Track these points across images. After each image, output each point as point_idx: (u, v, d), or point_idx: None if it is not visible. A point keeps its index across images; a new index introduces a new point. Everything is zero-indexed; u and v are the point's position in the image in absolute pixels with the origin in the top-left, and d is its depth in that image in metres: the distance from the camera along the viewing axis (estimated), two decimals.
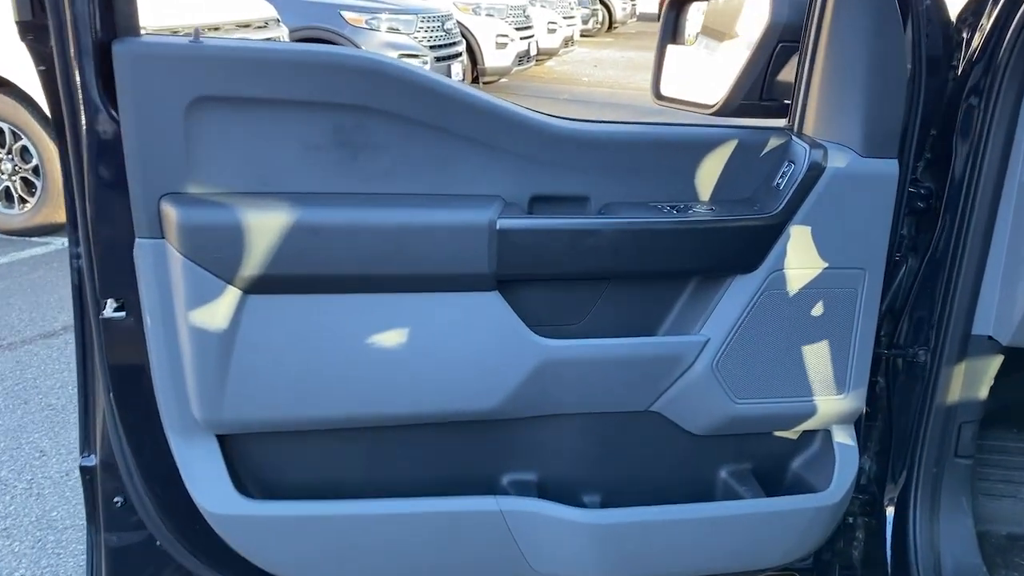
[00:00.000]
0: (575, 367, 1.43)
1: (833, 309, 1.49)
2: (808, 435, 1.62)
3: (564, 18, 12.52)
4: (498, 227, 1.35)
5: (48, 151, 4.68)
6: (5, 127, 4.72)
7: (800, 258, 1.45)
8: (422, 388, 1.41)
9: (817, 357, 1.51)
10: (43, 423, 2.97)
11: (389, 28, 7.87)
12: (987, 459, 1.77)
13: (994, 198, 1.55)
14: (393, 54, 7.40)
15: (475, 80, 9.76)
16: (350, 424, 1.42)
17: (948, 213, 1.61)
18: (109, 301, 1.35)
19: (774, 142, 1.49)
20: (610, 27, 19.93)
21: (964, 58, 1.56)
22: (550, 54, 12.00)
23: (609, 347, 1.44)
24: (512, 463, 1.56)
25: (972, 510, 1.69)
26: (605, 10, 19.23)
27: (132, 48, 1.24)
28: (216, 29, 5.18)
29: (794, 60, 1.53)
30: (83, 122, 1.27)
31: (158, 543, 1.49)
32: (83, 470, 1.47)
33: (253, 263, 1.31)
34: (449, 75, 8.00)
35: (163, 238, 1.30)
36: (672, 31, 1.80)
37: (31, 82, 4.47)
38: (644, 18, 24.76)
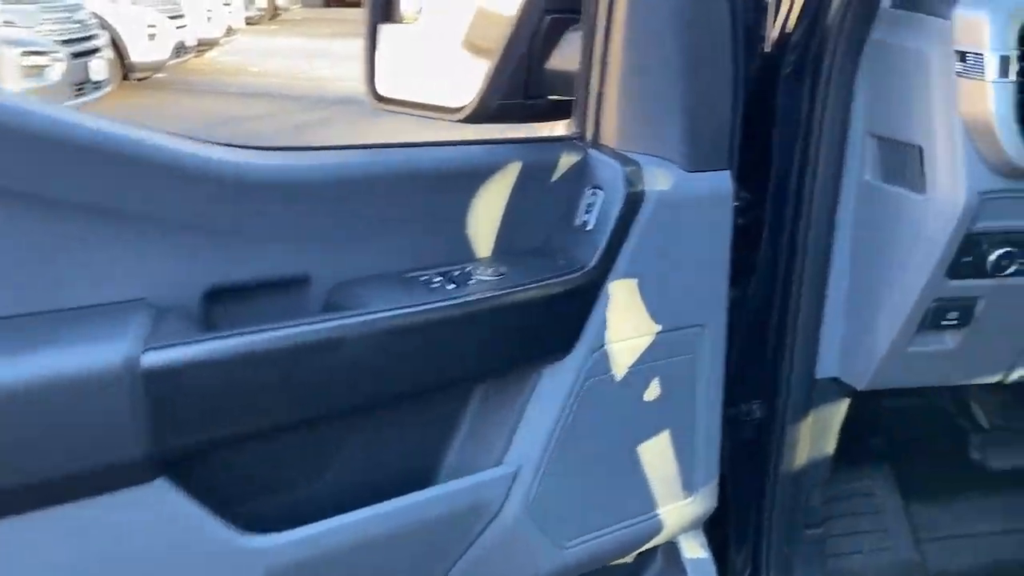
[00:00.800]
0: (313, 568, 0.86)
1: (671, 387, 1.06)
2: (648, 555, 1.19)
3: (223, 4, 11.36)
4: (144, 366, 0.73)
5: None
6: None
7: (627, 326, 1.00)
8: None
9: (658, 456, 1.08)
10: None
11: (4, 22, 6.46)
12: (830, 509, 1.48)
13: (828, 206, 1.21)
14: (14, 54, 6.07)
15: (125, 77, 8.46)
16: None
17: (772, 230, 1.24)
18: None
19: (567, 160, 1.02)
20: (275, 15, 18.79)
21: (779, 22, 1.20)
22: (211, 44, 10.84)
23: (365, 522, 0.88)
24: None
25: None
26: None
27: None
28: None
29: (573, 38, 1.06)
30: None
31: None
32: None
33: None
34: (87, 74, 6.74)
35: None
36: (383, 4, 1.26)
37: None
38: (308, 3, 23.79)
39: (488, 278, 0.93)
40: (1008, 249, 1.13)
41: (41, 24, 6.68)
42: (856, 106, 1.21)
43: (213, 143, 0.85)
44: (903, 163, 1.16)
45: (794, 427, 1.27)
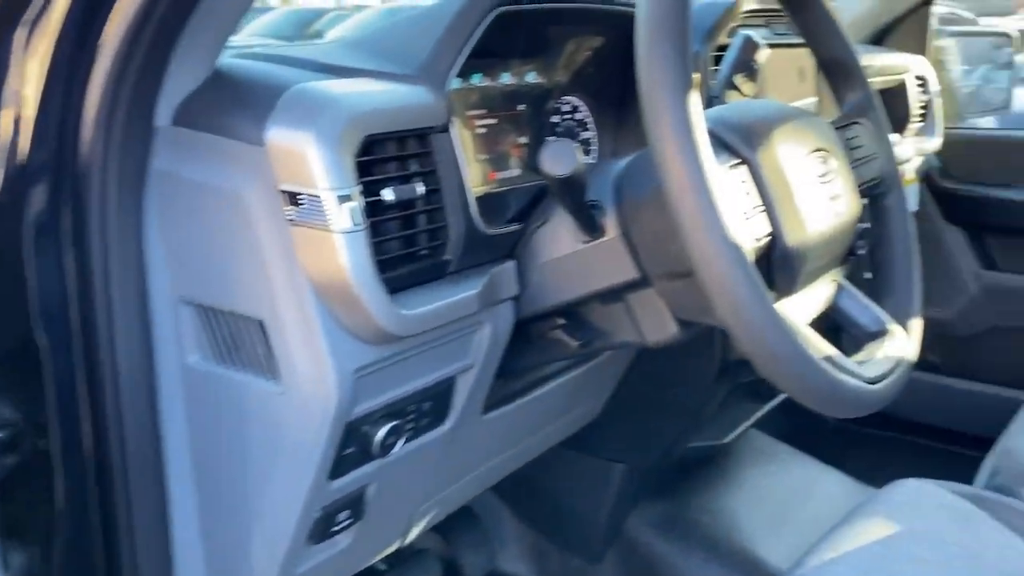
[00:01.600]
0: None
1: None
2: None
3: None
4: None
5: None
6: None
7: None
8: None
9: None
10: None
11: None
12: None
13: (145, 410, 0.82)
14: None
15: None
16: None
17: (67, 468, 0.80)
18: None
19: None
20: None
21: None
22: None
23: None
24: None
25: None
26: None
27: None
28: None
29: None
30: None
31: None
32: None
33: None
34: None
35: None
36: None
37: None
38: None
39: None
40: (394, 424, 0.87)
41: None
42: (155, 265, 0.82)
43: None
44: (241, 341, 0.82)
45: None
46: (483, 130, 0.99)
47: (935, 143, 1.85)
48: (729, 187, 0.74)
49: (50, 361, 0.80)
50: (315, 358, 0.78)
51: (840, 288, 0.92)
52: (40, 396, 0.80)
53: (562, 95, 1.11)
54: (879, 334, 0.89)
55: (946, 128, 1.89)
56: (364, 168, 0.77)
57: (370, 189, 0.77)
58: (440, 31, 0.87)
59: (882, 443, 2.05)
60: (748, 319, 0.69)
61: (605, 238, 0.86)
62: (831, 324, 0.92)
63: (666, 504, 1.63)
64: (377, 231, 0.77)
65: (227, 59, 0.86)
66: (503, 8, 0.89)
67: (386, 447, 0.87)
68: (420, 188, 0.80)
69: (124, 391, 0.82)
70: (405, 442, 0.90)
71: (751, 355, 0.71)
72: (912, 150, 1.78)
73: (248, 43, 3.31)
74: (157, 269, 0.82)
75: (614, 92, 1.14)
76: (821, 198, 0.82)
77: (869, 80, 1.53)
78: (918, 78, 1.83)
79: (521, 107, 1.05)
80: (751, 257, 0.70)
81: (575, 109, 1.14)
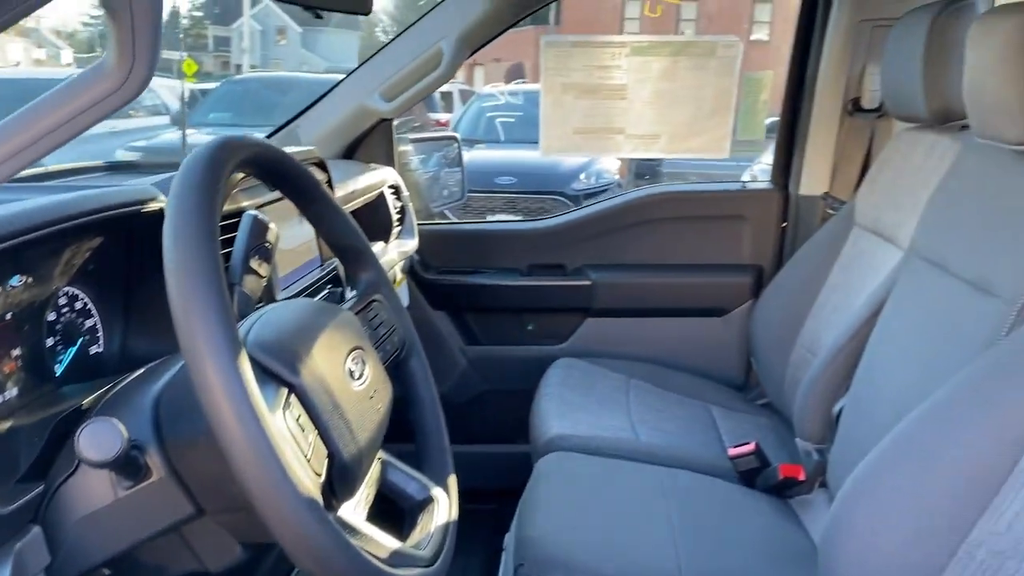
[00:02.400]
0: None
1: None
2: None
3: None
4: None
5: None
6: None
7: None
8: None
9: None
10: None
11: None
12: None
13: None
14: None
15: None
16: None
17: None
18: None
19: None
20: None
21: None
22: None
23: None
24: None
25: None
26: None
27: None
28: None
29: None
30: None
31: None
32: None
33: None
34: None
35: None
36: None
37: None
38: None
39: None
40: None
41: None
42: None
43: None
44: None
45: None
46: None
47: (413, 243, 2.05)
48: (285, 435, 0.73)
49: None
50: None
51: (385, 464, 0.97)
52: None
53: (58, 291, 0.99)
54: (426, 502, 0.96)
55: (419, 225, 2.11)
56: None
57: None
58: None
59: None
60: (319, 557, 0.69)
61: (151, 480, 0.79)
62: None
63: None
64: None
65: None
66: None
67: None
68: None
69: None
70: None
71: None
72: (396, 254, 1.95)
73: None
74: None
75: (117, 278, 1.05)
76: (363, 402, 0.85)
77: (355, 201, 1.63)
78: (391, 187, 2.02)
79: (8, 317, 0.91)
80: (320, 499, 0.71)
81: (73, 299, 1.02)
